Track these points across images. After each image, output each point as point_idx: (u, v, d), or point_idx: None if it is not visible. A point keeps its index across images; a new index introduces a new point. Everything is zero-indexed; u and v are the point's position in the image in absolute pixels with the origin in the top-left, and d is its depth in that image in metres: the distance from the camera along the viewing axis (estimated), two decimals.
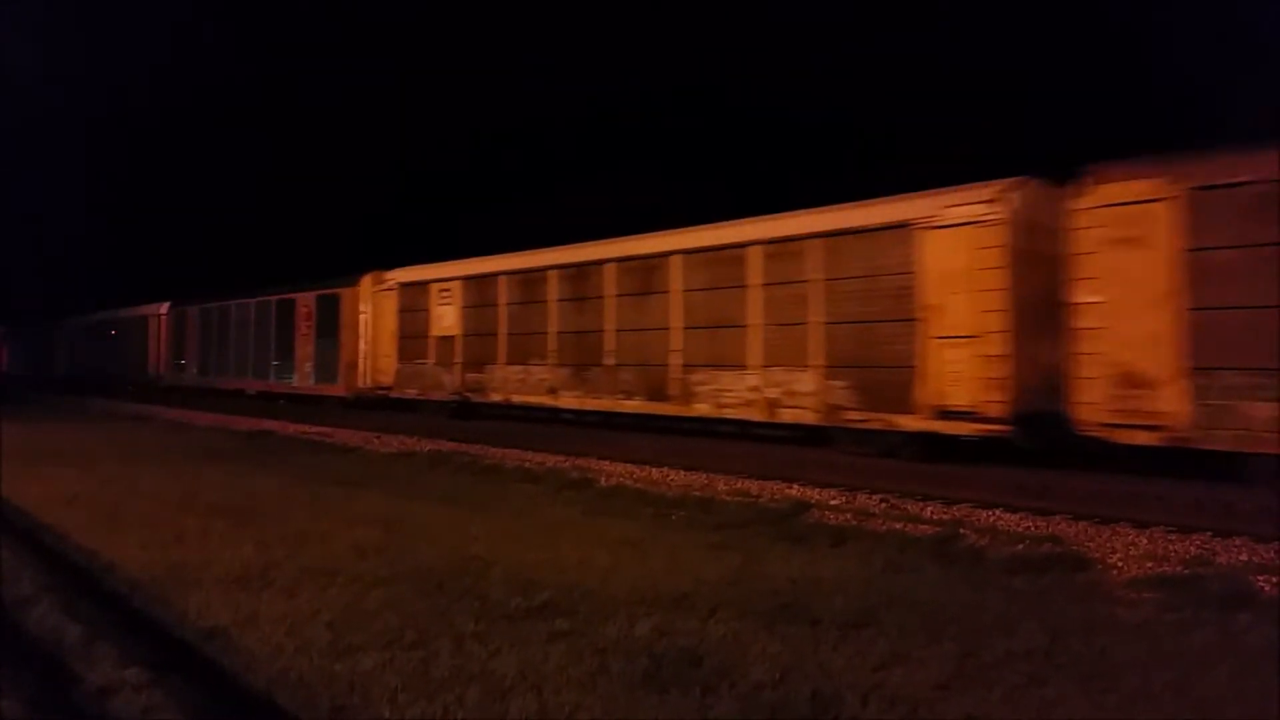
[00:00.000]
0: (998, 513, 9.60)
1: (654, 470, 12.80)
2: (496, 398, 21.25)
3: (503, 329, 21.23)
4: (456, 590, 6.10)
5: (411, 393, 24.06)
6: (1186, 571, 7.05)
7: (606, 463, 13.58)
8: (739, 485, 11.48)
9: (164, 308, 39.02)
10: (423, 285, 24.08)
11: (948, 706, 4.29)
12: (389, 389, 24.98)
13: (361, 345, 26.11)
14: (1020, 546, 8.01)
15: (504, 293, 21.37)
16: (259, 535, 7.85)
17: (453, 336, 22.71)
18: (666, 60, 53.04)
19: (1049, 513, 9.41)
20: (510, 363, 20.89)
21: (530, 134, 49.01)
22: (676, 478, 12.23)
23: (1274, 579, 6.80)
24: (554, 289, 19.92)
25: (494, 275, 21.85)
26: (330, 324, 27.37)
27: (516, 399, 20.70)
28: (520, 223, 36.86)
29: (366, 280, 26.22)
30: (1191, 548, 7.97)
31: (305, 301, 28.72)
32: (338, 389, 26.86)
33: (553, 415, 20.31)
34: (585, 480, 11.85)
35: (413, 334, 24.22)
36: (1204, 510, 9.47)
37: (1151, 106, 25.77)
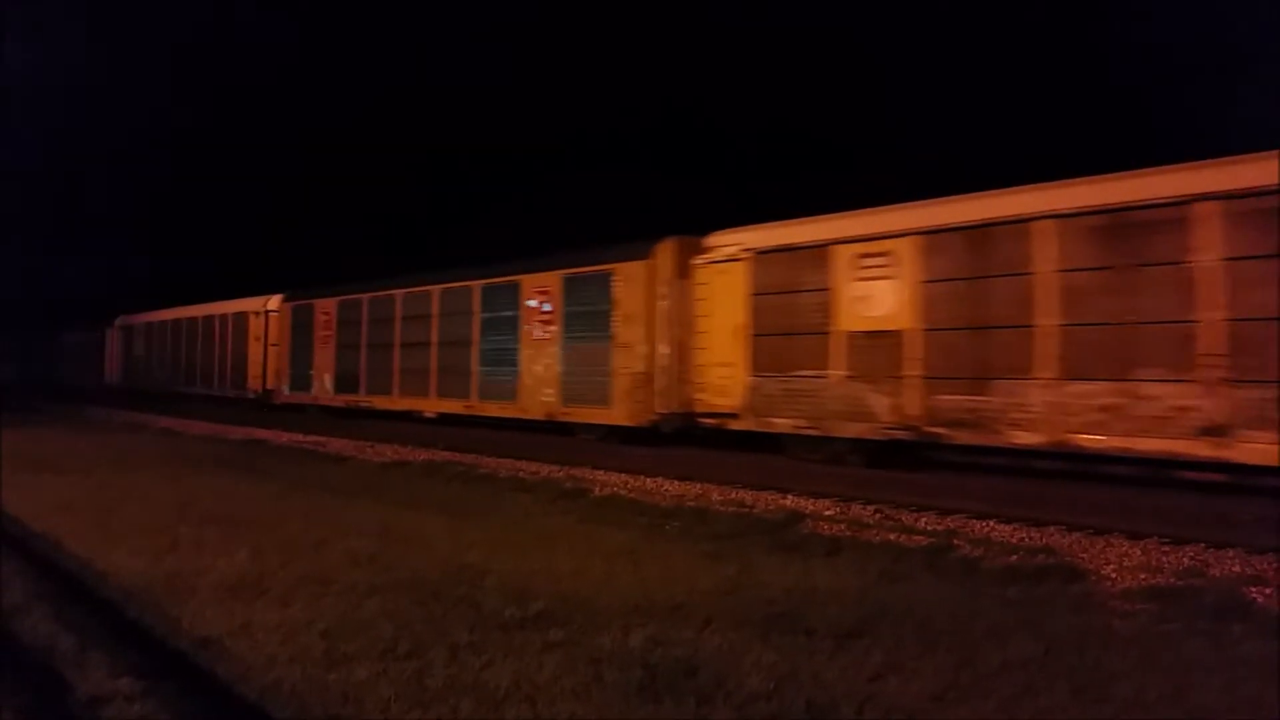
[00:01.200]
0: (991, 524, 9.61)
1: (648, 480, 12.80)
2: (1026, 438, 12.17)
3: (1046, 316, 12.04)
4: (451, 599, 6.09)
5: (784, 424, 15.13)
6: (1180, 583, 7.07)
7: (601, 472, 13.57)
8: (733, 495, 11.48)
9: (271, 301, 31.15)
10: (816, 250, 14.79)
11: (943, 717, 4.29)
12: (727, 415, 16.06)
13: (660, 349, 17.26)
14: (1014, 557, 8.02)
15: (1043, 251, 12.12)
16: (253, 544, 7.82)
17: (896, 332, 13.66)
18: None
19: (1043, 523, 9.42)
20: (1075, 377, 11.70)
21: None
22: (671, 488, 12.23)
23: (1267, 591, 6.82)
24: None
25: (1009, 223, 12.53)
26: (590, 318, 18.74)
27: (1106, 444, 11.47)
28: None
29: (667, 249, 17.42)
30: (1185, 559, 7.98)
31: (540, 286, 20.05)
32: (612, 414, 18.08)
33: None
34: (579, 490, 11.84)
35: (787, 328, 15.14)
36: (1197, 522, 9.49)
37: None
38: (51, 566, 7.27)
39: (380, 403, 25.31)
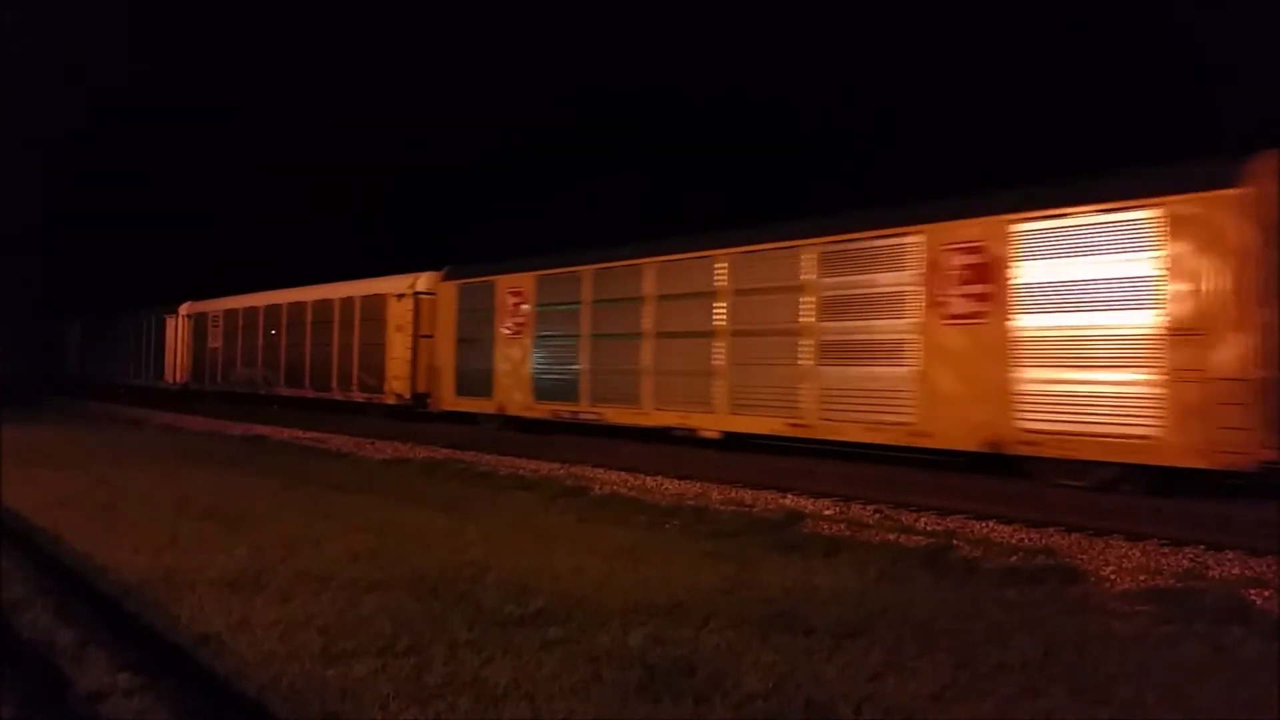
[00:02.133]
0: (991, 524, 9.61)
1: (648, 479, 12.80)
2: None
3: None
4: (450, 597, 6.09)
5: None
6: (1179, 585, 7.06)
7: (601, 470, 13.57)
8: (733, 495, 11.48)
9: (422, 280, 24.47)
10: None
11: (941, 717, 4.29)
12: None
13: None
14: (1014, 558, 8.02)
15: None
16: (252, 540, 7.83)
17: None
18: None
19: (1042, 524, 9.43)
20: None
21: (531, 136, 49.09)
22: (671, 486, 12.23)
23: (1266, 593, 6.82)
24: None
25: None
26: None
27: None
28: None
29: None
30: (1184, 561, 7.98)
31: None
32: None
33: None
34: (579, 488, 11.84)
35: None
36: (1197, 523, 9.49)
37: None
38: (51, 561, 7.27)
39: (612, 414, 18.36)
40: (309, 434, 19.88)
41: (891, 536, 8.99)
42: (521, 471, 13.63)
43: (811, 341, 14.73)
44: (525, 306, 20.59)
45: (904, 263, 13.60)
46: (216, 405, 30.49)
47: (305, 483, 11.85)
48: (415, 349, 24.04)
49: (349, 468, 14.41)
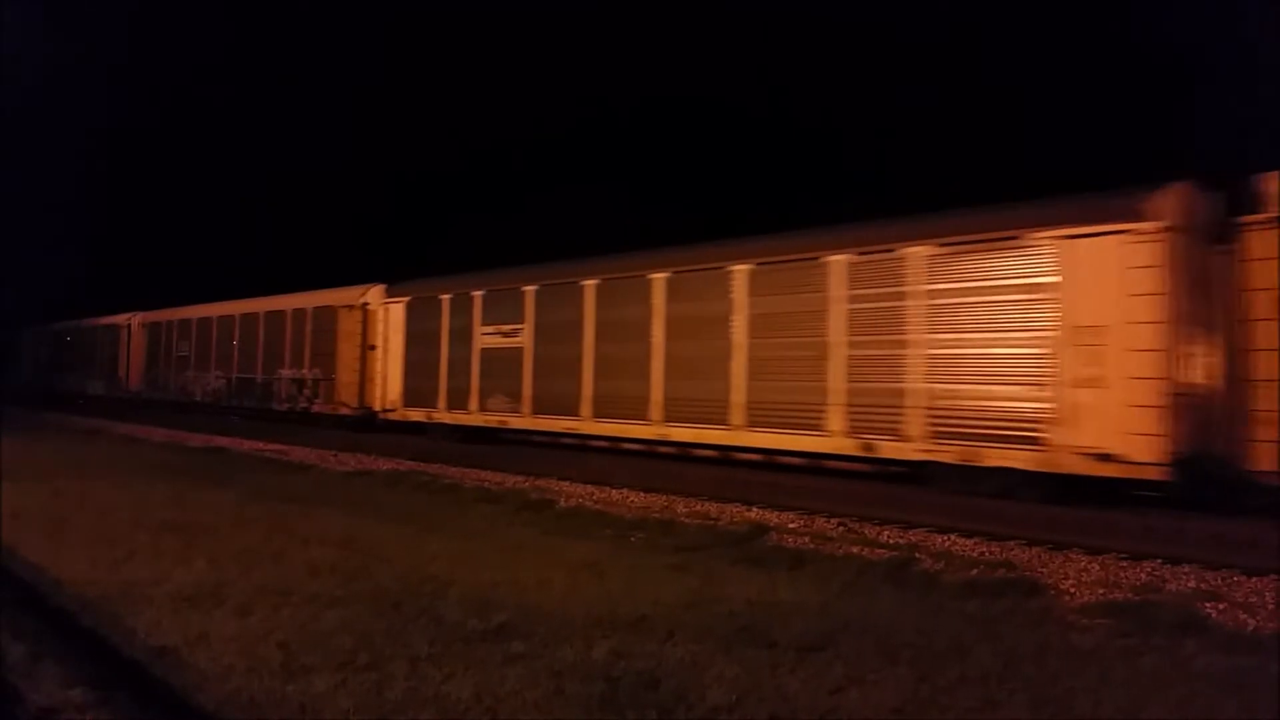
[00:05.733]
0: (953, 538, 9.69)
1: (614, 491, 12.78)
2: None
3: None
4: (412, 611, 6.04)
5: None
6: (1137, 598, 7.16)
7: (566, 484, 13.53)
8: (699, 507, 11.49)
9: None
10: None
11: None
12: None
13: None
14: (974, 571, 8.09)
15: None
16: (211, 553, 7.73)
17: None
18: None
19: (1003, 538, 9.52)
20: None
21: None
22: (636, 499, 12.22)
23: (1221, 605, 6.93)
24: None
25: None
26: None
27: None
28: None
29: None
30: (1142, 574, 8.09)
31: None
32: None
33: None
34: (545, 501, 11.80)
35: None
36: (1154, 537, 9.62)
37: None
38: (4, 574, 7.13)
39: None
40: (270, 446, 19.65)
41: (855, 550, 9.04)
42: (487, 484, 13.56)
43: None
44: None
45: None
46: (171, 416, 30.10)
47: (266, 495, 11.70)
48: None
49: (311, 480, 14.26)
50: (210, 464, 16.23)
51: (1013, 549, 9.14)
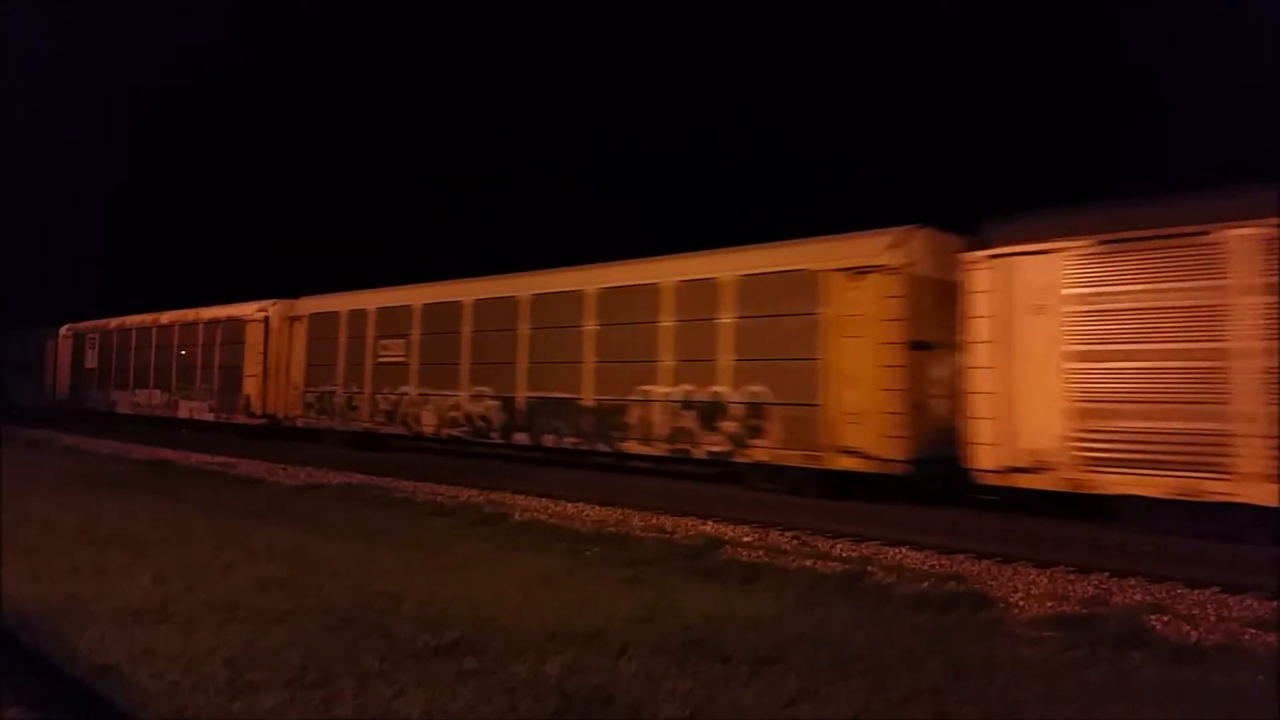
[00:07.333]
0: (904, 550, 9.78)
1: (569, 505, 12.73)
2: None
3: None
4: (362, 627, 5.96)
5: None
6: (1084, 611, 7.26)
7: (521, 497, 13.46)
8: (654, 521, 11.48)
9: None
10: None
11: None
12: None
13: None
14: (925, 584, 8.17)
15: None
16: (157, 568, 7.56)
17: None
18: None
19: (953, 551, 9.62)
20: None
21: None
22: (591, 513, 12.18)
23: (1165, 618, 7.06)
24: None
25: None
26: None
27: None
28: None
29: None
30: (1089, 587, 8.22)
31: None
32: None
33: None
34: (499, 515, 11.72)
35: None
36: (1101, 551, 9.78)
37: None
38: None
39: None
40: (216, 458, 19.32)
41: (808, 562, 9.09)
42: (439, 498, 13.44)
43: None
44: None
45: None
46: (115, 427, 29.58)
47: (214, 509, 11.50)
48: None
49: (260, 493, 14.03)
50: (156, 476, 15.91)
51: (963, 562, 9.25)
